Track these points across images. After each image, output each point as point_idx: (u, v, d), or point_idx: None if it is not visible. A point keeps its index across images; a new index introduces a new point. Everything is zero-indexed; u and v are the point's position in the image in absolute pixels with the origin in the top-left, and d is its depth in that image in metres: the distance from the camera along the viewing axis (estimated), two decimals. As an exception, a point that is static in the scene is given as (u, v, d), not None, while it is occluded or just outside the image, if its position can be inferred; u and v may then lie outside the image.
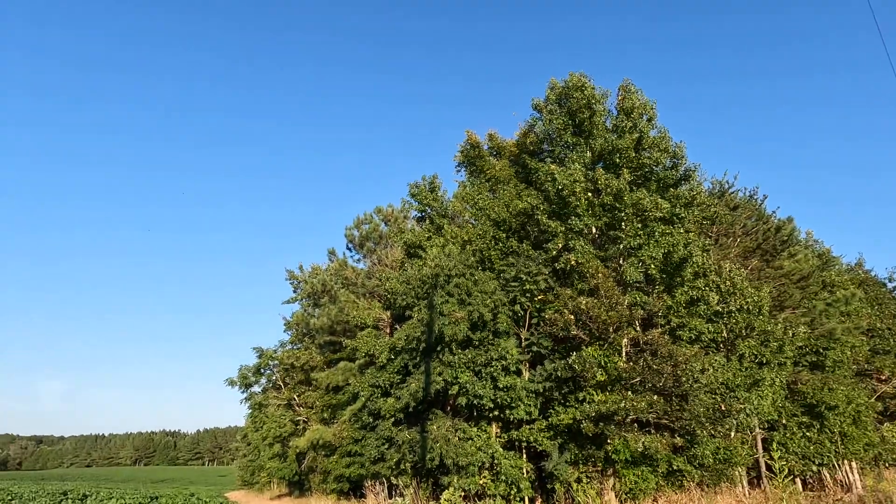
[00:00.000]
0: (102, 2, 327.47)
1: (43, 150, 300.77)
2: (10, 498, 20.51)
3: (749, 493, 18.49)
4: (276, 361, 33.63)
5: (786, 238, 26.08)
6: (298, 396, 32.56)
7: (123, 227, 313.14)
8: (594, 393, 17.08)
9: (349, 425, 22.98)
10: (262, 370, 34.92)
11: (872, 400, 24.06)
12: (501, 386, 17.61)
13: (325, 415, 28.13)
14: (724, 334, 19.35)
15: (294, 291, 34.66)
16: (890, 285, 34.37)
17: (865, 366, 25.95)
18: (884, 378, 26.65)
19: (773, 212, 26.54)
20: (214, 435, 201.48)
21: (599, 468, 17.39)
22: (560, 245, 18.52)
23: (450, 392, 18.29)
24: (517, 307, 19.25)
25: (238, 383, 34.16)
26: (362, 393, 21.24)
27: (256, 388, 35.79)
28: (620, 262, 18.68)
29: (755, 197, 26.97)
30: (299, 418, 31.44)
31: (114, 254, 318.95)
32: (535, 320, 19.62)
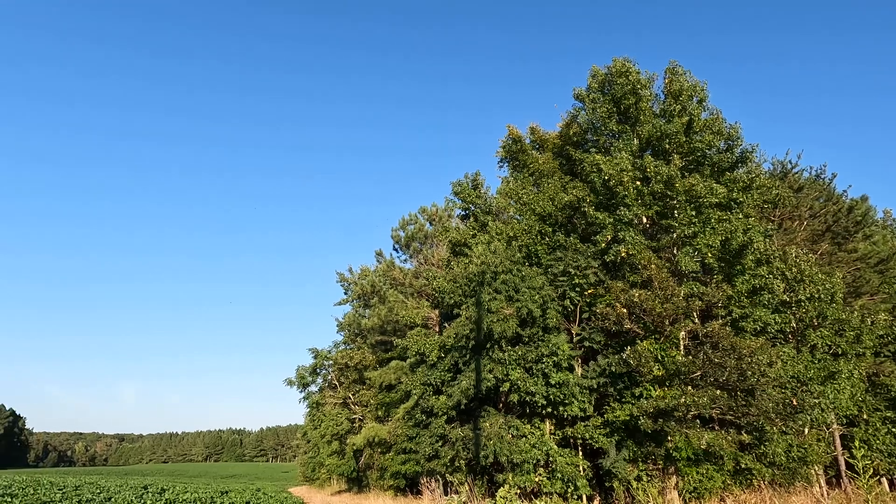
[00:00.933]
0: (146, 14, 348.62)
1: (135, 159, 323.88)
2: (98, 491, 22.33)
3: (828, 494, 17.24)
4: (331, 361, 34.73)
5: (860, 219, 24.12)
6: (353, 395, 33.49)
7: (200, 232, 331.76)
8: (651, 388, 16.50)
9: (403, 423, 23.38)
10: (318, 370, 36.16)
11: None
12: (553, 382, 17.35)
13: (380, 413, 28.75)
14: (793, 324, 18.16)
15: (345, 293, 35.68)
16: None
17: (960, 355, 23.57)
18: (983, 368, 24.09)
19: (844, 191, 24.64)
20: (276, 433, 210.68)
21: (660, 466, 16.77)
22: (609, 237, 18.00)
23: (501, 389, 18.22)
24: (567, 302, 18.89)
25: (296, 383, 35.54)
26: (414, 391, 21.54)
27: (313, 388, 37.10)
28: (674, 251, 17.92)
29: (822, 176, 25.11)
30: (355, 416, 32.34)
31: (171, 273, 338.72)
32: (585, 315, 19.18)
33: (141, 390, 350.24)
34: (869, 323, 19.02)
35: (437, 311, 24.23)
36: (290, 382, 35.53)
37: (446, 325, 22.17)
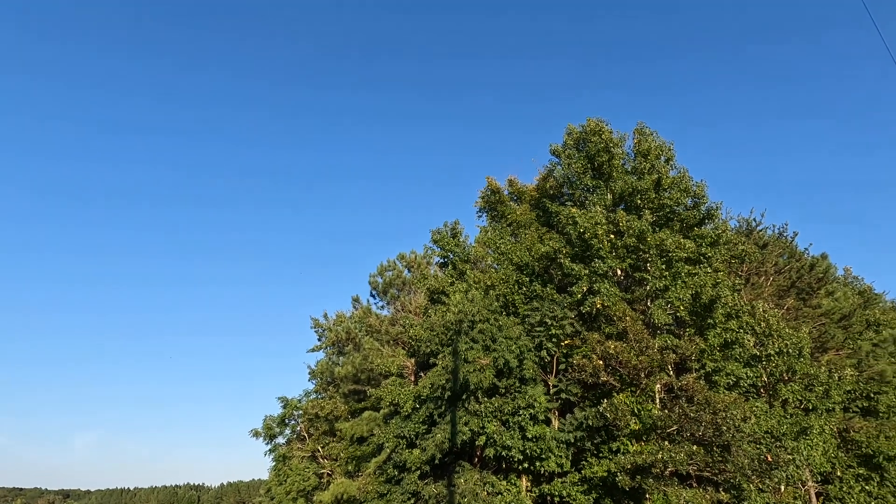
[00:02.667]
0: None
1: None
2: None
3: (807, 555, 16.92)
4: (301, 411, 33.33)
5: (822, 275, 25.16)
6: (323, 448, 31.94)
7: (154, 283, 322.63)
8: (629, 443, 16.28)
9: (374, 478, 22.31)
10: (287, 420, 34.57)
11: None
12: (530, 436, 16.97)
13: (350, 467, 27.41)
14: (764, 379, 18.41)
15: (319, 339, 34.78)
16: (941, 323, 32.38)
17: (924, 411, 24.11)
18: (946, 424, 24.63)
19: (806, 248, 25.83)
20: (238, 489, 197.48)
21: (639, 526, 16.28)
22: (584, 288, 18.28)
23: (477, 443, 17.70)
24: (543, 353, 18.82)
25: (263, 434, 33.79)
26: (387, 444, 20.72)
27: (281, 440, 35.30)
28: (648, 304, 18.25)
29: (785, 234, 26.35)
30: (323, 471, 30.71)
31: (140, 309, 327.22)
32: (562, 366, 19.10)
33: (94, 441, 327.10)
34: (836, 378, 19.43)
35: (413, 360, 23.78)
36: (255, 433, 33.76)
37: (422, 374, 21.73)
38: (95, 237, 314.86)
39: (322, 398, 33.46)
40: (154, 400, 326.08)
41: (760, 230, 25.86)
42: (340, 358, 32.48)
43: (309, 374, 35.94)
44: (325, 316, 34.59)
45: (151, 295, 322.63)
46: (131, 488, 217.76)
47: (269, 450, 35.48)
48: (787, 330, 18.27)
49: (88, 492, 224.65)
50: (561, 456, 17.13)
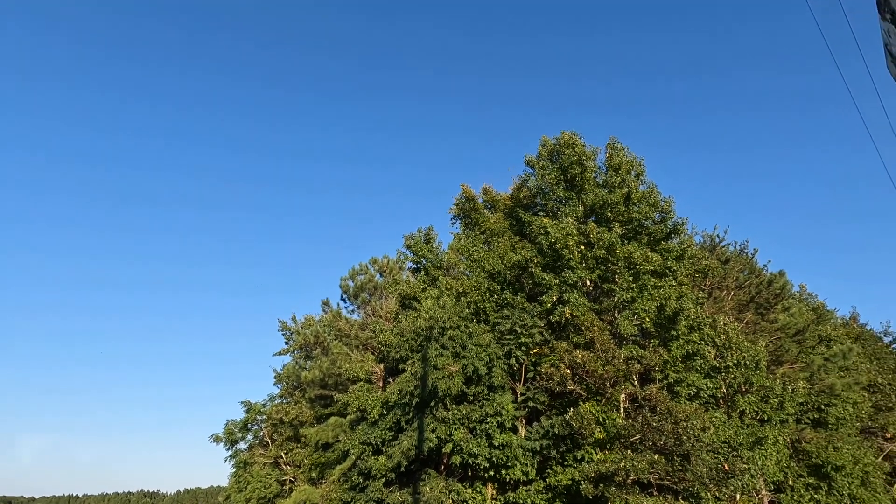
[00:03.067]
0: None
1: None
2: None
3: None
4: (265, 416, 32.49)
5: (778, 291, 26.22)
6: (286, 454, 31.20)
7: (113, 285, 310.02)
8: (593, 451, 16.51)
9: (338, 486, 21.91)
10: (250, 426, 33.63)
11: (879, 460, 23.35)
12: (497, 444, 17.01)
13: (314, 474, 26.85)
14: (723, 390, 19.00)
15: (286, 343, 34.06)
16: (886, 339, 34.23)
17: (870, 423, 25.37)
18: (889, 436, 25.98)
19: (765, 265, 26.88)
20: (195, 496, 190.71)
21: (601, 534, 16.48)
22: (554, 298, 18.53)
23: (443, 450, 17.63)
24: (512, 361, 18.95)
25: (224, 440, 32.77)
26: (352, 450, 20.41)
27: (242, 445, 34.31)
28: (615, 315, 18.63)
29: (746, 251, 27.39)
30: (286, 478, 29.98)
31: (99, 309, 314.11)
32: (530, 374, 19.26)
33: (41, 446, 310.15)
34: (790, 390, 20.22)
35: (381, 366, 23.55)
36: (216, 439, 32.70)
37: (390, 380, 21.54)
38: (44, 236, 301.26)
39: (287, 403, 32.72)
40: (107, 402, 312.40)
41: (723, 246, 26.81)
42: (308, 362, 31.87)
43: (274, 378, 35.11)
44: (294, 319, 33.91)
45: (112, 296, 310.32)
46: (80, 495, 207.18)
47: (230, 455, 34.40)
48: (745, 343, 18.94)
49: (33, 499, 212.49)
50: (527, 464, 17.23)
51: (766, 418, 19.18)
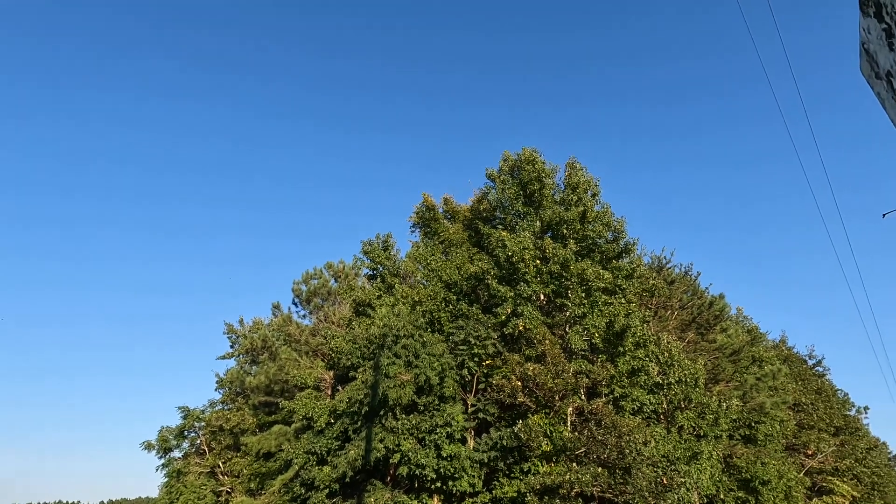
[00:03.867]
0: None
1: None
2: None
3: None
4: (203, 423, 30.89)
5: (718, 313, 27.70)
6: (224, 463, 29.73)
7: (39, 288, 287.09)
8: (539, 464, 16.69)
9: (278, 497, 21.06)
10: (187, 433, 31.86)
11: (801, 475, 24.91)
12: (445, 455, 16.90)
13: (253, 485, 25.71)
14: (664, 405, 19.76)
15: (231, 346, 32.67)
16: (810, 362, 36.81)
17: (793, 440, 27.08)
18: (810, 453, 27.80)
19: (706, 288, 28.35)
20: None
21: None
22: (509, 310, 18.75)
23: (391, 460, 17.33)
24: (465, 371, 18.96)
25: (157, 447, 30.85)
26: (296, 460, 19.71)
27: (177, 454, 32.41)
28: (566, 329, 19.06)
29: (690, 273, 28.82)
30: (222, 489, 28.53)
31: (28, 317, 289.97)
32: (482, 385, 19.33)
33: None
34: (725, 407, 21.29)
35: (331, 373, 22.97)
36: (148, 446, 30.72)
37: (340, 388, 21.03)
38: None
39: (229, 409, 31.27)
40: (23, 405, 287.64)
41: (670, 268, 28.11)
42: (254, 367, 30.67)
43: (217, 383, 33.51)
44: (241, 322, 32.62)
45: (44, 294, 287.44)
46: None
47: (163, 464, 32.44)
48: (686, 361, 19.82)
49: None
50: (474, 476, 17.20)
51: (702, 434, 20.08)
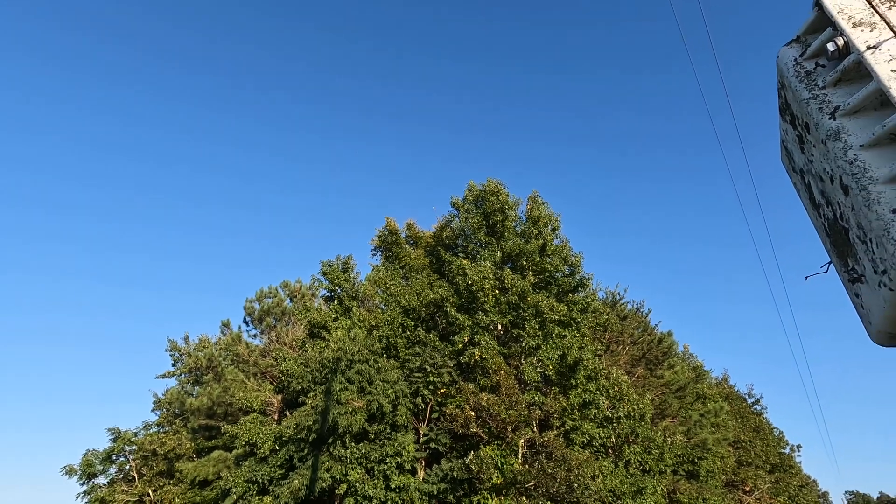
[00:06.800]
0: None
1: None
2: None
3: None
4: (135, 447, 28.77)
5: (666, 350, 28.70)
6: (154, 492, 27.66)
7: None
8: (489, 497, 16.47)
9: (212, 530, 19.74)
10: (115, 457, 29.54)
11: (739, 511, 25.69)
12: (394, 486, 16.43)
13: (185, 516, 23.99)
14: (613, 440, 20.07)
15: (173, 365, 30.88)
16: (749, 400, 38.51)
17: (733, 476, 28.00)
18: (748, 489, 28.79)
19: (656, 325, 29.41)
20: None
21: (489, 583, 16.27)
22: (466, 338, 18.77)
23: (337, 491, 16.66)
24: (419, 399, 18.68)
25: (79, 472, 28.39)
26: (235, 489, 18.61)
27: (102, 480, 29.91)
28: (521, 360, 19.22)
29: (641, 310, 29.86)
30: (150, 520, 26.43)
31: None
32: (435, 414, 19.06)
33: None
34: (670, 443, 21.87)
35: (280, 397, 22.06)
36: (70, 471, 28.21)
37: (288, 413, 20.23)
38: None
39: (165, 432, 29.35)
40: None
41: (623, 304, 29.05)
42: (196, 388, 29.05)
43: (154, 403, 31.49)
44: (186, 339, 30.99)
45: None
46: None
47: (85, 492, 29.85)
48: (634, 395, 20.31)
49: None
50: (422, 508, 16.75)
51: (647, 468, 20.46)
